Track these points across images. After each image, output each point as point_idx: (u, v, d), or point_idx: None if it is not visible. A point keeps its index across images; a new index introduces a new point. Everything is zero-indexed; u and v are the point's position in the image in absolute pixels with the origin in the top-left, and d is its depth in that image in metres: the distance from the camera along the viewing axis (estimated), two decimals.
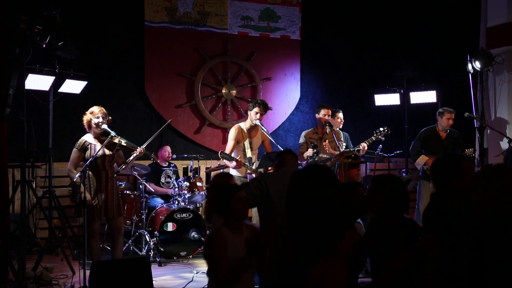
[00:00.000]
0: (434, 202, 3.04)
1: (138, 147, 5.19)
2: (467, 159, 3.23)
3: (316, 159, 6.14)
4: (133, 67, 7.74)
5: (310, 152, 6.16)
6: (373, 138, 6.65)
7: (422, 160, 6.76)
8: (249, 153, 5.97)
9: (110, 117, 5.22)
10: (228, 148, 5.89)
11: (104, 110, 5.17)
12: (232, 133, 5.97)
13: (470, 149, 6.81)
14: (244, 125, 6.07)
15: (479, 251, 2.72)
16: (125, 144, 5.17)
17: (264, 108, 6.02)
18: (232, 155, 5.88)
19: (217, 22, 8.13)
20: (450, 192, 2.94)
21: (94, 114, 5.09)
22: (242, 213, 3.16)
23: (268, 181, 3.76)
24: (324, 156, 6.36)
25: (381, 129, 6.66)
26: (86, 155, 5.08)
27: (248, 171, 5.84)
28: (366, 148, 6.51)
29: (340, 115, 7.08)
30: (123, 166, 5.25)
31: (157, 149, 7.25)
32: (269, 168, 5.61)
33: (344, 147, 6.46)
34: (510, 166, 3.08)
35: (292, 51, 8.62)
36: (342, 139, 6.54)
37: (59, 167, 6.85)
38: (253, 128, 6.05)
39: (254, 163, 5.94)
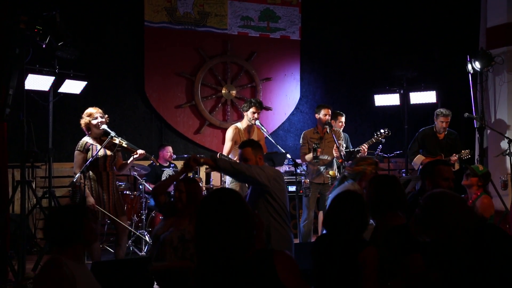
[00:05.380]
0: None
1: (139, 150, 5.18)
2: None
3: (317, 161, 6.13)
4: (133, 67, 7.74)
5: (310, 156, 6.17)
6: (374, 140, 6.63)
7: (418, 160, 6.80)
8: None
9: (107, 115, 5.21)
10: (226, 149, 5.88)
11: (100, 110, 5.16)
12: (229, 134, 5.95)
13: (467, 150, 6.79)
14: (241, 125, 6.06)
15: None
16: (126, 146, 5.16)
17: (260, 106, 6.00)
18: (230, 156, 5.86)
19: (217, 22, 8.13)
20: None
21: (92, 116, 5.08)
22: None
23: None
24: (326, 158, 6.33)
25: (382, 130, 6.62)
26: (88, 156, 5.06)
27: None
28: (366, 149, 6.50)
29: (343, 118, 6.99)
30: (123, 168, 5.28)
31: (159, 149, 7.25)
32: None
33: (344, 147, 6.44)
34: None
35: (292, 51, 8.61)
36: (342, 138, 6.52)
37: (59, 167, 6.84)
38: (250, 128, 6.04)
39: None
